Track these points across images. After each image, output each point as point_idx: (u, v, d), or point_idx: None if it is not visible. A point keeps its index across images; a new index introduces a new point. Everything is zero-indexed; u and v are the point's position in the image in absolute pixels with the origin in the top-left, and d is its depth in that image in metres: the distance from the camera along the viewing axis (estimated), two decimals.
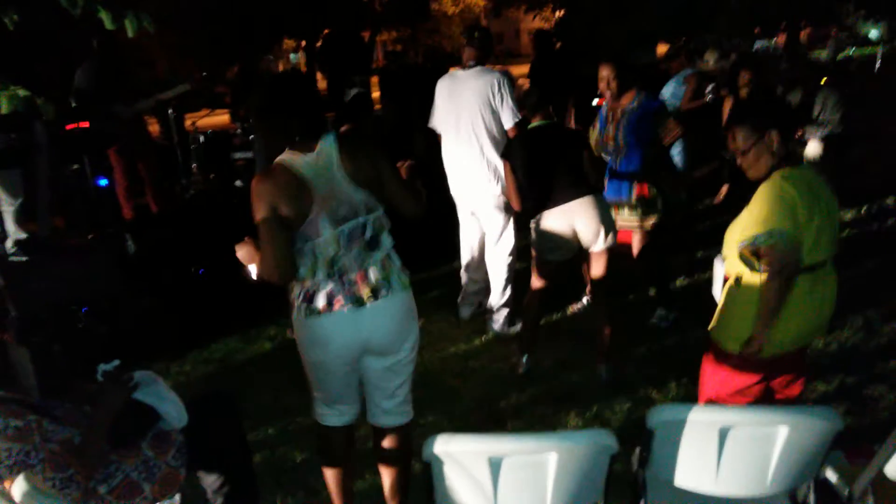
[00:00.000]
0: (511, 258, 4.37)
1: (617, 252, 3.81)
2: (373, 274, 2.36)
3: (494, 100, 4.10)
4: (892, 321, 4.10)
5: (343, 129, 4.57)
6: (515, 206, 3.89)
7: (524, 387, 3.77)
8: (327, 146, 2.32)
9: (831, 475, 2.22)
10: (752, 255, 2.43)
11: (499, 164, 4.13)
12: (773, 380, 2.61)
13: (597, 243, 3.65)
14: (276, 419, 3.52)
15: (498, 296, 4.43)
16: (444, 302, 4.77)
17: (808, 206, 2.37)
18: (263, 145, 4.39)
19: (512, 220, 4.31)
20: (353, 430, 2.69)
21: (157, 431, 2.39)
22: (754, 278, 2.45)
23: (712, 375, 2.65)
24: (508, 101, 4.10)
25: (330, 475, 2.67)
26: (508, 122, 4.11)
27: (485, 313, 4.53)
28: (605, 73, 4.18)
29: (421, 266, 5.22)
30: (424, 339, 4.41)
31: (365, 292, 2.34)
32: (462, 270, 4.64)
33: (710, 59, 6.88)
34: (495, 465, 1.84)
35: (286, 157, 2.31)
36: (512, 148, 3.84)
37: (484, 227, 4.41)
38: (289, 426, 3.48)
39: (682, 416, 1.96)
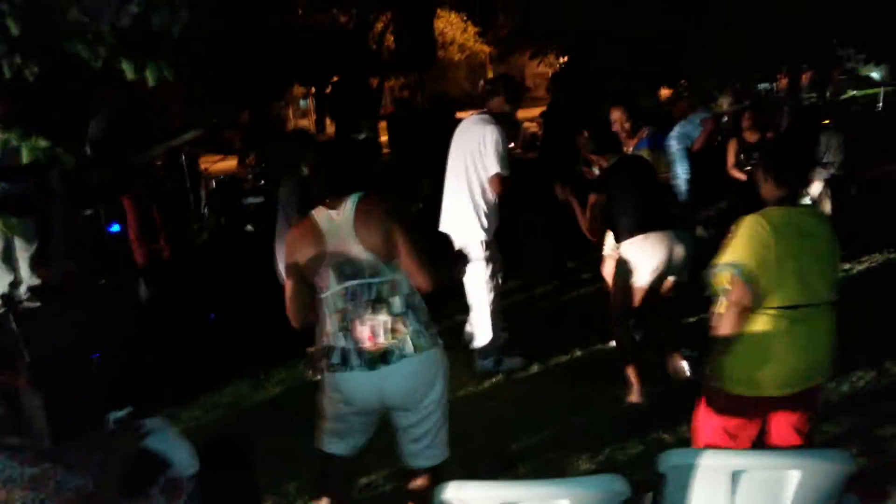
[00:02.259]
0: (488, 297, 4.39)
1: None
2: (381, 336, 2.41)
3: (480, 149, 4.20)
4: None
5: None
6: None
7: (535, 429, 3.75)
8: (349, 205, 2.44)
9: None
10: (716, 284, 2.50)
11: (484, 207, 4.24)
12: (768, 425, 2.59)
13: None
14: (287, 464, 3.51)
15: (480, 335, 4.46)
16: (454, 344, 4.77)
17: (788, 247, 2.40)
18: (293, 198, 4.47)
19: (489, 263, 4.35)
20: (354, 464, 2.71)
21: (168, 479, 2.39)
22: None
23: (703, 418, 2.65)
24: (490, 152, 4.17)
25: None
26: (490, 170, 4.19)
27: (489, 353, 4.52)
28: (616, 115, 4.39)
29: (432, 309, 5.25)
30: None
31: (375, 353, 2.41)
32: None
33: (724, 103, 7.07)
34: None
35: (315, 210, 2.49)
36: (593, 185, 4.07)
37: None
38: (300, 471, 3.46)
39: (693, 461, 1.96)
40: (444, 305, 5.21)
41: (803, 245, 2.43)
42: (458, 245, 4.37)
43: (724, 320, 2.48)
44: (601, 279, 5.82)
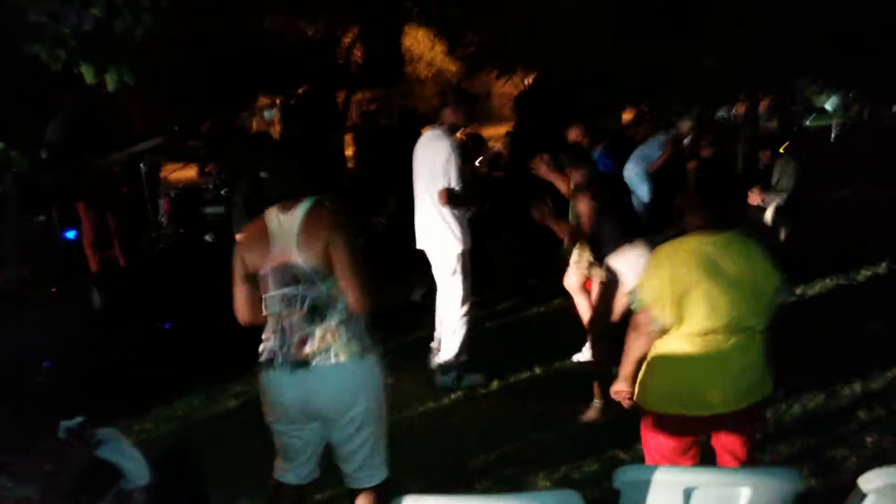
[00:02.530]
0: (461, 312, 4.39)
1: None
2: (310, 344, 2.38)
3: (436, 164, 4.22)
4: (852, 384, 4.19)
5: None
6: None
7: (494, 446, 3.74)
8: (300, 211, 2.40)
9: None
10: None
11: (454, 221, 4.25)
12: (711, 443, 2.65)
13: None
14: (241, 479, 3.44)
15: (444, 350, 4.46)
16: (415, 360, 4.75)
17: (702, 274, 2.45)
18: (244, 201, 4.45)
19: (462, 277, 4.36)
20: (304, 492, 2.68)
21: (119, 490, 2.33)
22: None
23: (644, 437, 2.71)
24: (441, 169, 4.20)
25: None
26: (439, 184, 4.21)
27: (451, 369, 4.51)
28: (574, 134, 4.51)
29: (395, 324, 5.22)
30: (395, 397, 4.39)
31: (300, 358, 2.39)
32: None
33: (685, 126, 7.25)
34: None
35: (268, 211, 2.46)
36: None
37: (437, 281, 4.47)
38: (254, 486, 3.39)
39: (647, 477, 1.98)
40: (404, 321, 5.20)
41: (722, 271, 2.45)
42: (435, 260, 4.38)
43: (635, 343, 2.58)
44: (563, 296, 5.89)
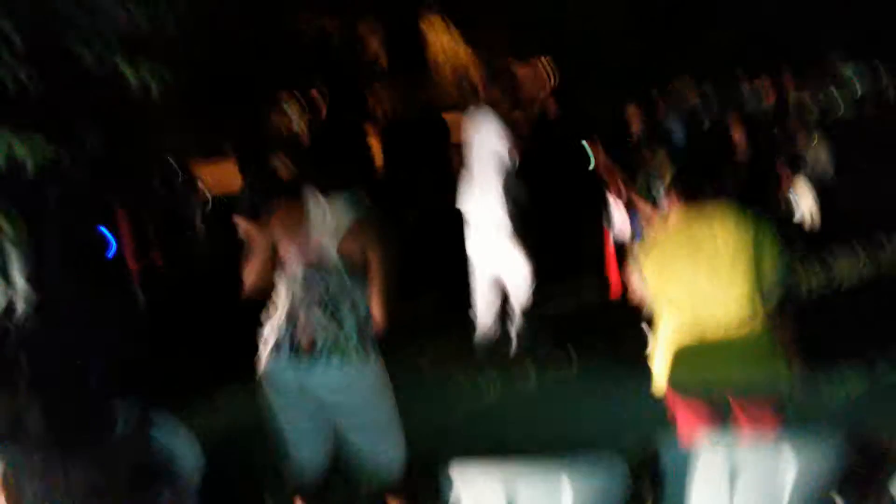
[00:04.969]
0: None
1: None
2: (319, 333, 2.44)
3: (489, 147, 4.25)
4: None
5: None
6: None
7: (532, 431, 3.76)
8: (343, 203, 2.48)
9: None
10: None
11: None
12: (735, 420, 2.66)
13: None
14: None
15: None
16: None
17: (681, 254, 2.50)
18: (249, 188, 4.45)
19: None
20: (322, 493, 2.69)
21: (173, 475, 2.41)
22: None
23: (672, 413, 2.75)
24: (497, 151, 4.23)
25: None
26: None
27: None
28: (632, 115, 4.78)
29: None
30: (432, 385, 4.43)
31: (306, 347, 2.44)
32: None
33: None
34: (509, 493, 1.88)
35: (310, 195, 2.51)
36: None
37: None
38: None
39: (693, 451, 2.01)
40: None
41: (702, 245, 2.48)
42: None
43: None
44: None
